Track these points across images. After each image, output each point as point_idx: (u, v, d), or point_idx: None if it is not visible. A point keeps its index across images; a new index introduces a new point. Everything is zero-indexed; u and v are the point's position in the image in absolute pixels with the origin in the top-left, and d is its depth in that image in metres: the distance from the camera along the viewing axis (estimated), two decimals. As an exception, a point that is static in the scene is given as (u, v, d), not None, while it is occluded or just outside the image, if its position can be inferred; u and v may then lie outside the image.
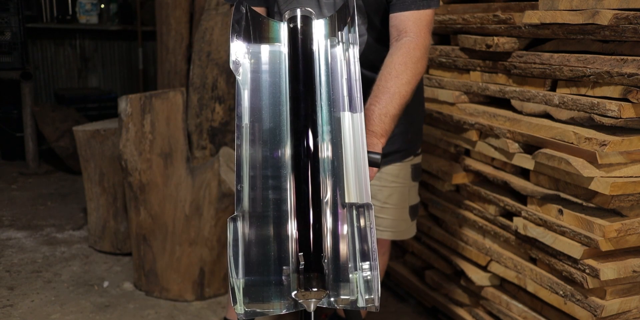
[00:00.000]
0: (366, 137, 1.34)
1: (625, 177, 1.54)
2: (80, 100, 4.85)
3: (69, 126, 4.04)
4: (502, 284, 1.98)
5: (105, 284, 2.56)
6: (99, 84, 5.46)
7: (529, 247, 1.80)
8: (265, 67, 1.04)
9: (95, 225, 2.87)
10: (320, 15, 1.46)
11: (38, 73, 5.21)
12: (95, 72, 5.44)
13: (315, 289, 0.83)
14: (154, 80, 5.09)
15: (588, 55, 1.58)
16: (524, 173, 1.86)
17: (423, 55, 1.40)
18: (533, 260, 1.83)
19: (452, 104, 2.07)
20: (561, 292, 1.68)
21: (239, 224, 0.90)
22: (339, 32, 1.06)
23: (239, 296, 0.86)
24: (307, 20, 1.06)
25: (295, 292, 0.84)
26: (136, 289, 2.52)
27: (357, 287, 0.87)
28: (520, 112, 1.83)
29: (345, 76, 1.03)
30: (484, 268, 2.01)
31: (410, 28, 1.41)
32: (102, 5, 5.14)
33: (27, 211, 3.50)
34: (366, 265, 0.88)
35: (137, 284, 2.53)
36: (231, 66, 1.01)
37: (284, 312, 0.86)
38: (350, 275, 0.87)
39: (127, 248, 2.82)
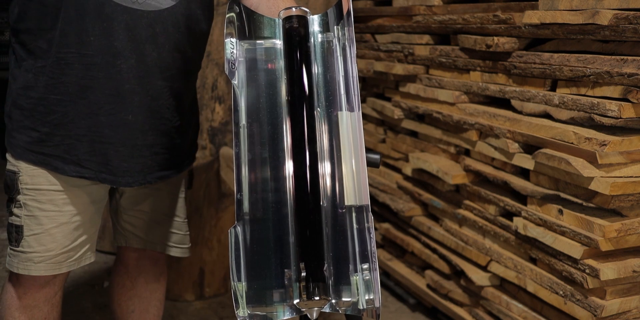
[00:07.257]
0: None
1: (625, 177, 1.54)
2: (80, 100, 4.84)
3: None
4: (502, 284, 1.98)
5: (105, 284, 2.55)
6: (99, 83, 5.44)
7: (529, 247, 1.80)
8: (261, 65, 1.02)
9: (96, 225, 2.87)
10: None
11: (38, 73, 5.18)
12: (95, 72, 5.42)
13: (317, 298, 0.82)
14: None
15: (588, 55, 1.58)
16: (524, 173, 1.86)
17: None
18: (533, 260, 1.82)
19: (452, 104, 2.07)
20: (561, 292, 1.68)
21: (240, 228, 0.89)
22: (335, 27, 1.05)
23: (241, 300, 0.85)
24: (303, 20, 1.04)
25: (297, 300, 0.84)
26: (136, 289, 2.52)
27: (357, 289, 0.87)
28: (520, 112, 1.83)
29: (342, 74, 1.02)
30: (484, 268, 2.01)
31: None
32: (102, 5, 5.12)
33: (27, 211, 3.49)
34: (366, 266, 0.87)
35: (137, 284, 2.53)
36: (225, 68, 0.99)
37: (287, 316, 0.86)
38: (351, 278, 0.87)
39: (127, 248, 2.82)
